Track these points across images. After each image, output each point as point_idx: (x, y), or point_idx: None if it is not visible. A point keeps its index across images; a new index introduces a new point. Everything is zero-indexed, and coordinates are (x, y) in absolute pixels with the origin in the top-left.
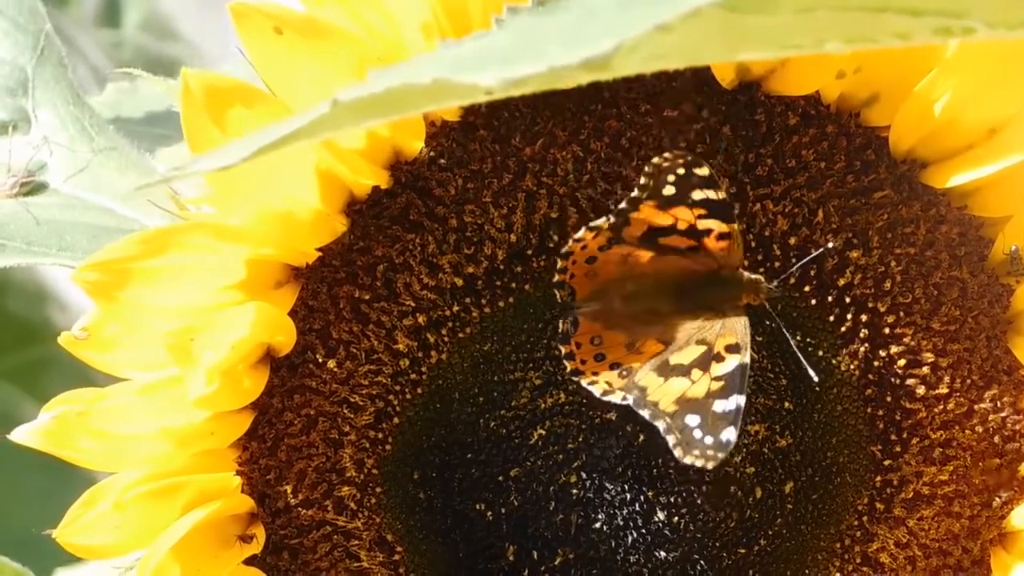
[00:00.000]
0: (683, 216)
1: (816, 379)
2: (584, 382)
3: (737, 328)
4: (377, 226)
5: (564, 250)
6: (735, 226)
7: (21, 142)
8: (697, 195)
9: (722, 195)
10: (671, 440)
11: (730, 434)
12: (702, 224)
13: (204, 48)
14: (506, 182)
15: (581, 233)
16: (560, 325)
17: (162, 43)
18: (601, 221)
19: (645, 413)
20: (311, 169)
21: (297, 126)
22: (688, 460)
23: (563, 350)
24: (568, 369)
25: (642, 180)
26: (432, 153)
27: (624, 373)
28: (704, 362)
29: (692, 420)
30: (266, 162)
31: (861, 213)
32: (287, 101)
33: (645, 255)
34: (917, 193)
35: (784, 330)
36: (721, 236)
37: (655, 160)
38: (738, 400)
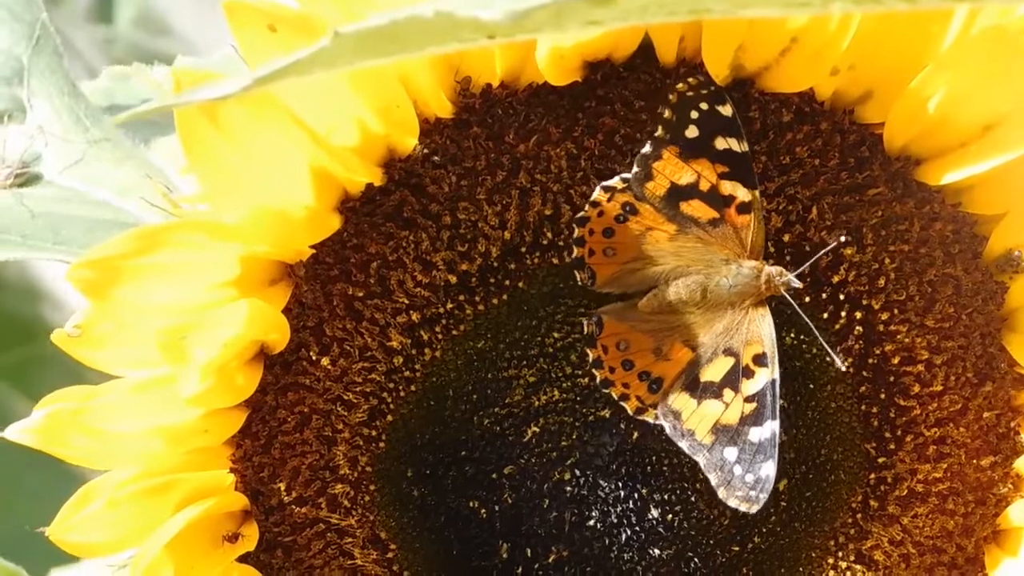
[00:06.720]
0: (705, 173)
1: (844, 368)
2: (615, 395)
3: (763, 331)
4: (371, 223)
5: (579, 215)
6: (756, 193)
7: (16, 132)
8: (720, 144)
9: (744, 147)
10: (713, 479)
11: (768, 470)
12: (724, 188)
13: (198, 44)
14: (500, 179)
15: (596, 195)
16: (585, 326)
17: (155, 39)
18: (615, 181)
19: (684, 445)
20: (305, 167)
21: (296, 59)
22: (733, 503)
23: (590, 355)
24: (598, 379)
25: (665, 113)
26: (426, 150)
27: (655, 386)
28: (734, 379)
29: (730, 454)
30: (260, 160)
31: (855, 210)
32: (281, 96)
33: (665, 232)
34: (911, 190)
35: (807, 320)
36: (742, 209)
37: (679, 86)
38: (772, 426)
